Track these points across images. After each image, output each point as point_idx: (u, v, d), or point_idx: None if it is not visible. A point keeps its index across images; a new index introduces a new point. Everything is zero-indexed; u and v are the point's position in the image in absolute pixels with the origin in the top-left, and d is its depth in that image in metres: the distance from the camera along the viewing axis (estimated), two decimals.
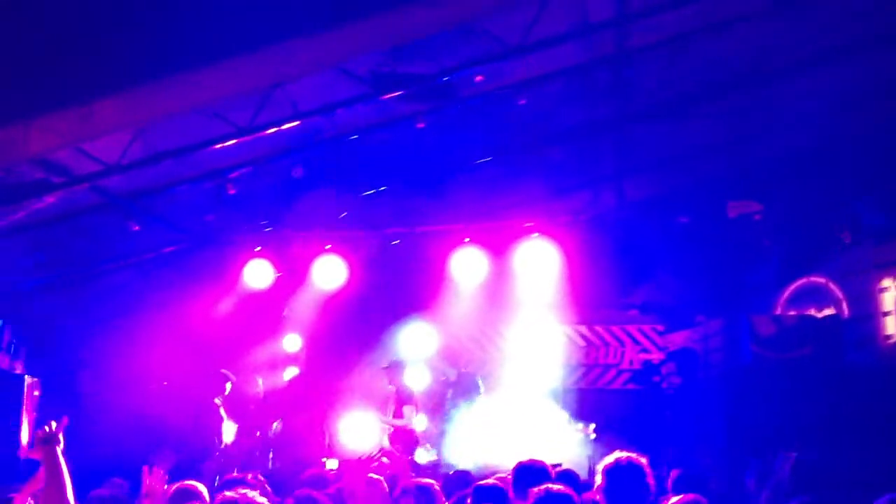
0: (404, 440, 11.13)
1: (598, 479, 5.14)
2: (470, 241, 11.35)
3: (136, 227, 10.47)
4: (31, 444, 4.40)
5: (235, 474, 7.81)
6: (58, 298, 11.23)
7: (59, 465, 4.21)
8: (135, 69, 6.97)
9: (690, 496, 5.57)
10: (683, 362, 12.35)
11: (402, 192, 11.09)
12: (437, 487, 5.90)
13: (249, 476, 6.99)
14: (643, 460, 5.20)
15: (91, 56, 6.81)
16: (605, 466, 5.11)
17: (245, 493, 4.46)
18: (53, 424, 4.42)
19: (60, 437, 4.35)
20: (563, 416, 11.36)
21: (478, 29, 8.23)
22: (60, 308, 11.37)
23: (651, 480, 5.12)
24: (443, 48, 8.54)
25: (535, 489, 4.84)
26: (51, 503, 4.14)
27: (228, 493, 4.47)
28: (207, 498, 5.46)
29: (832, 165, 11.13)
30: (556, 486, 4.88)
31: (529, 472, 5.69)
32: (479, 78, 8.92)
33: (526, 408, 11.33)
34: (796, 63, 9.72)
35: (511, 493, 5.78)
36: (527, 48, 8.40)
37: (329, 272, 11.51)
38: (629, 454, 5.21)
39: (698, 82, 9.92)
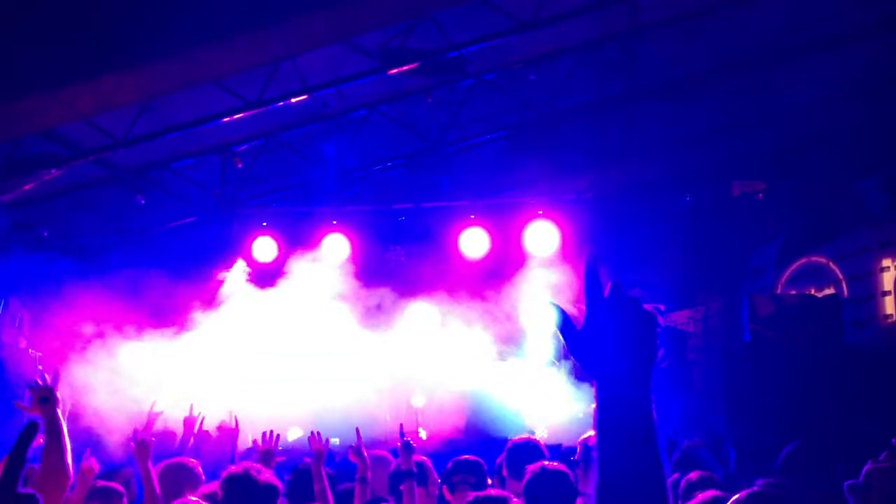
0: None
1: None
2: (475, 217, 11.36)
3: (143, 201, 10.47)
4: (29, 402, 4.06)
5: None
6: (63, 273, 11.21)
7: (59, 425, 3.85)
8: (144, 43, 6.94)
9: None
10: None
11: (409, 167, 11.08)
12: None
13: None
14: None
15: (100, 30, 6.78)
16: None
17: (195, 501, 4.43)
18: (48, 378, 4.06)
19: (58, 395, 3.98)
20: (567, 392, 11.43)
21: (488, 4, 8.21)
22: (65, 283, 11.35)
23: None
24: (453, 23, 8.53)
25: (531, 466, 4.81)
26: (50, 466, 3.76)
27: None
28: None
29: (836, 146, 11.13)
30: (552, 464, 4.87)
31: (524, 450, 5.63)
32: None
33: (531, 382, 11.41)
34: (805, 46, 9.71)
35: (504, 472, 5.79)
36: (538, 23, 8.40)
37: (337, 248, 11.46)
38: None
39: (707, 62, 9.91)
